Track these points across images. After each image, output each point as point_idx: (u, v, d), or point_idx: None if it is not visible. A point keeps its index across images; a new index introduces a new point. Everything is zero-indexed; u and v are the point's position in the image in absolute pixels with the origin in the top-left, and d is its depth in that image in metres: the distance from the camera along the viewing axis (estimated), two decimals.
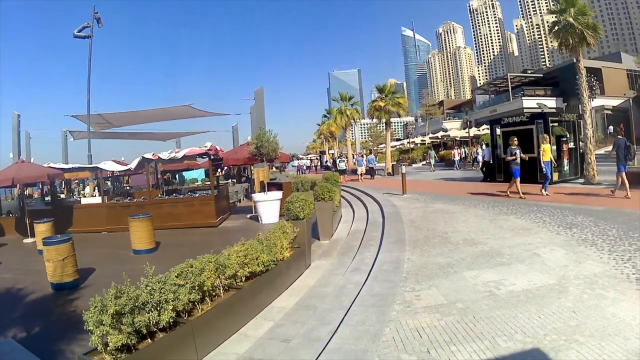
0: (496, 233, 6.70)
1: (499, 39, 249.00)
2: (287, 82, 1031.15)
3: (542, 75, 41.13)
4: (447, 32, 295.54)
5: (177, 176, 22.38)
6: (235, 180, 21.68)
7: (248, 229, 10.07)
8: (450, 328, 3.36)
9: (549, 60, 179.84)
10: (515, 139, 11.09)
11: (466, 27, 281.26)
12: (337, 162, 28.33)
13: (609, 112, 32.25)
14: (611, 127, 27.78)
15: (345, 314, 3.89)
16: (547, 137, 11.76)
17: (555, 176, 13.36)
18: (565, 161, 14.27)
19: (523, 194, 10.39)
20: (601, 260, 4.77)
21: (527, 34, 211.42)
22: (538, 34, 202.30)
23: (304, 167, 40.02)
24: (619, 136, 10.37)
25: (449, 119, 51.13)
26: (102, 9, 19.36)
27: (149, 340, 3.12)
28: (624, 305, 3.49)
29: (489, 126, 20.91)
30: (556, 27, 13.25)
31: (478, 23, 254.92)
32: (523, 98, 35.47)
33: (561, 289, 4.00)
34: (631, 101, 25.81)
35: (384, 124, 30.94)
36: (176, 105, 21.47)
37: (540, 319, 3.35)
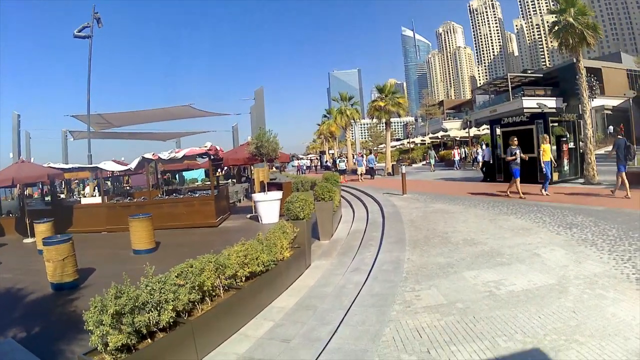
0: (496, 233, 6.70)
1: (499, 39, 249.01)
2: (287, 82, 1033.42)
3: (542, 75, 41.13)
4: (447, 32, 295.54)
5: (177, 176, 22.38)
6: (235, 180, 21.68)
7: (248, 229, 10.07)
8: (450, 328, 3.35)
9: (549, 60, 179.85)
10: (515, 139, 11.09)
11: (466, 27, 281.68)
12: (337, 162, 28.34)
13: (609, 112, 32.26)
14: (611, 127, 27.78)
15: (345, 314, 3.89)
16: (547, 137, 11.76)
17: (555, 176, 13.36)
18: (565, 161, 14.27)
19: (523, 194, 10.38)
20: (601, 260, 4.77)
21: (527, 34, 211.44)
22: (538, 34, 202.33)
23: (304, 167, 40.07)
24: (618, 136, 10.37)
25: (449, 119, 51.13)
26: (102, 9, 19.37)
27: (149, 340, 3.12)
28: (624, 305, 3.49)
29: (489, 126, 20.92)
30: (556, 27, 13.26)
31: (478, 23, 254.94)
32: (523, 98, 35.47)
33: (561, 289, 4.00)
34: (631, 101, 25.81)
35: (384, 124, 30.94)
36: (176, 105, 21.49)
37: (540, 319, 3.35)
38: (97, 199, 12.38)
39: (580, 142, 14.13)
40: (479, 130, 36.00)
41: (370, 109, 28.91)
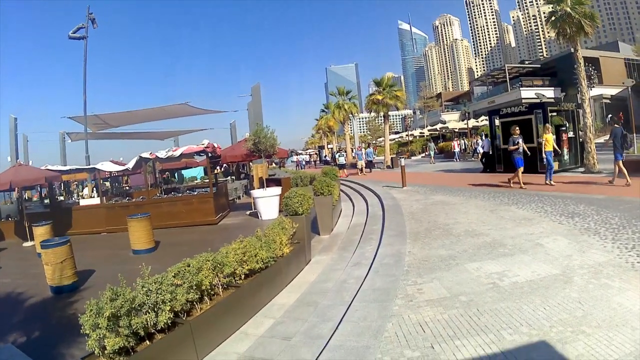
0: (498, 224, 6.64)
1: (495, 31, 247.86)
2: (285, 78, 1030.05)
3: (539, 65, 41.00)
4: (444, 25, 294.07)
5: (175, 175, 22.27)
6: (234, 177, 21.59)
7: (248, 225, 10.01)
8: (454, 322, 3.29)
9: (546, 51, 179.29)
10: (517, 128, 11.02)
11: (463, 20, 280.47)
12: (337, 156, 28.28)
13: (608, 101, 32.16)
14: (610, 116, 27.69)
15: (347, 310, 3.83)
16: (549, 127, 11.70)
17: (556, 165, 13.22)
18: (565, 150, 14.20)
19: (524, 184, 10.33)
20: (605, 249, 4.71)
21: (524, 25, 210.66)
22: (535, 25, 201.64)
23: (303, 162, 40.10)
24: (615, 125, 10.31)
25: (447, 111, 51.04)
26: (102, 9, 19.44)
27: (147, 342, 3.07)
28: (630, 295, 3.42)
29: (487, 117, 20.83)
30: (553, 17, 13.13)
31: (474, 15, 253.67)
32: (521, 89, 35.40)
33: (566, 279, 3.93)
34: (630, 89, 25.68)
35: (382, 117, 30.85)
36: (173, 103, 21.34)
37: (546, 311, 3.29)
38: (96, 200, 12.31)
39: (580, 131, 14.05)
40: (477, 122, 35.89)
41: (368, 103, 28.85)
